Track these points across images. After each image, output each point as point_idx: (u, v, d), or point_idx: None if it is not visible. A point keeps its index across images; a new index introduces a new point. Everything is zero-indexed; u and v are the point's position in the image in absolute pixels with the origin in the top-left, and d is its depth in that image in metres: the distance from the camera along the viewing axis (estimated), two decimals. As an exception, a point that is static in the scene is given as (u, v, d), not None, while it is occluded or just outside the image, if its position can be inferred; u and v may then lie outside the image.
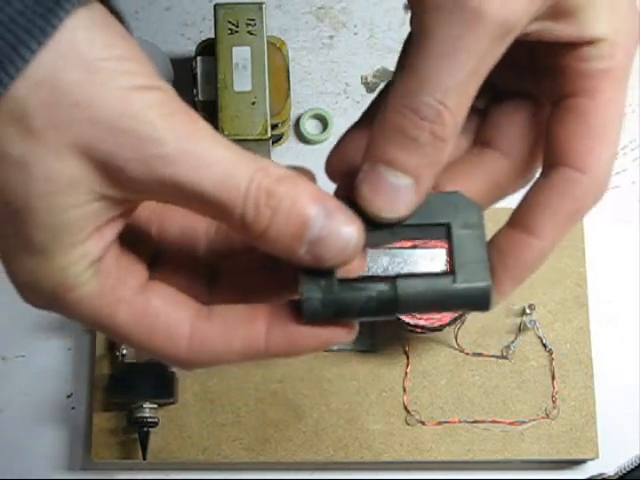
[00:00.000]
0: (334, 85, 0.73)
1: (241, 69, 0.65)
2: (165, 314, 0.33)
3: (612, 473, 0.65)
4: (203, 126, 0.30)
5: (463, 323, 0.64)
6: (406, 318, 0.61)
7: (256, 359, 0.33)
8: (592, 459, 0.64)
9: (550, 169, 0.34)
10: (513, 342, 0.65)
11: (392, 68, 0.71)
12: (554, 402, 0.64)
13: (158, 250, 0.36)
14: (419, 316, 0.61)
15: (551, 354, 0.65)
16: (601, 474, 0.65)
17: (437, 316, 0.61)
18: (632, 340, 0.67)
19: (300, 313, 0.32)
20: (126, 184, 0.30)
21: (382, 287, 0.32)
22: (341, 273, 0.32)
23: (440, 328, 0.61)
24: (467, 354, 0.65)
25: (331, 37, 0.74)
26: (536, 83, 0.36)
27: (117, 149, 0.29)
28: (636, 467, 0.65)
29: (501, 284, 0.34)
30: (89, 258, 0.31)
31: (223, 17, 0.66)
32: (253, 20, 0.66)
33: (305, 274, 0.32)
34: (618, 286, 0.68)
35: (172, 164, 0.29)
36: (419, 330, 0.61)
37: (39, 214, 0.29)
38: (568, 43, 0.33)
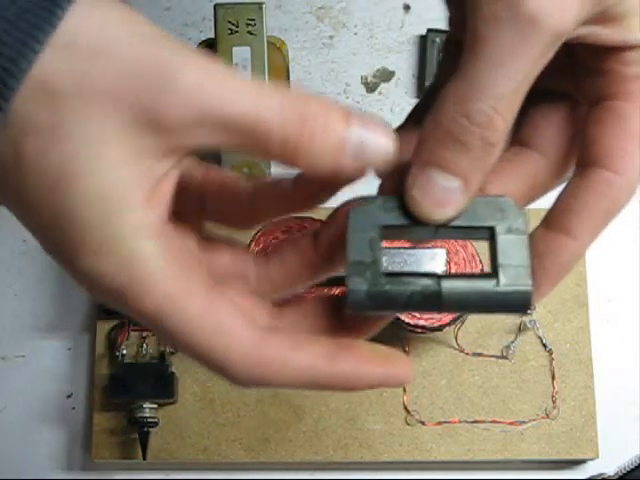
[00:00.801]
0: (334, 85, 0.73)
1: (241, 69, 0.65)
2: (233, 318, 0.32)
3: (612, 473, 0.65)
4: (219, 62, 0.31)
5: (463, 323, 0.64)
6: (406, 318, 0.61)
7: (316, 383, 0.33)
8: (592, 459, 0.64)
9: (585, 170, 0.35)
10: (513, 342, 0.65)
11: (392, 68, 0.72)
12: (554, 402, 0.64)
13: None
14: (419, 316, 0.61)
15: (551, 354, 0.65)
16: (601, 474, 0.65)
17: (437, 316, 0.61)
18: (632, 340, 0.67)
19: (345, 305, 0.33)
20: (163, 126, 0.30)
21: (427, 282, 0.33)
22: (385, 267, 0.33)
23: (440, 328, 0.61)
24: (467, 354, 0.65)
25: (331, 37, 0.74)
26: (575, 84, 0.37)
27: (145, 92, 0.29)
28: (636, 467, 0.65)
29: (540, 286, 0.34)
30: (150, 226, 0.31)
31: (223, 17, 0.66)
32: (253, 20, 0.66)
33: (351, 266, 0.33)
34: (618, 285, 0.69)
35: (199, 94, 0.30)
36: (419, 330, 0.61)
37: (85, 182, 0.29)
38: (612, 47, 0.34)
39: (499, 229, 0.33)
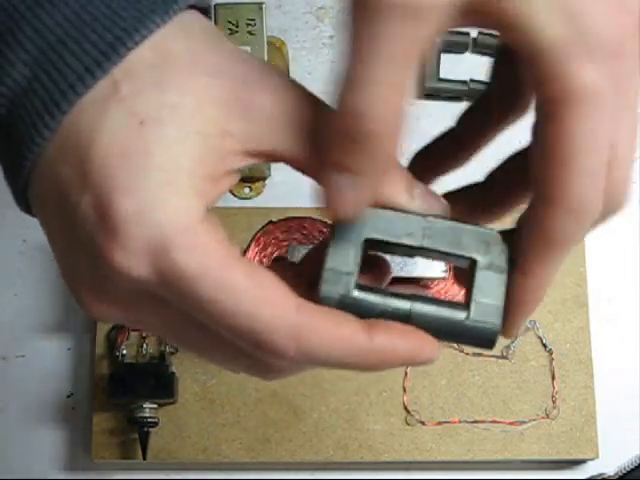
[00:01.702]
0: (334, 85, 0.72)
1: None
2: (276, 286, 0.32)
3: (612, 473, 0.65)
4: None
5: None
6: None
7: (355, 356, 0.32)
8: (592, 459, 0.64)
9: (532, 198, 0.33)
10: (513, 342, 0.65)
11: (392, 68, 0.71)
12: (554, 402, 0.64)
13: None
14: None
15: (551, 354, 0.65)
16: (601, 474, 0.65)
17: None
18: (632, 340, 0.67)
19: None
20: (249, 115, 0.31)
21: (398, 304, 0.33)
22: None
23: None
24: (467, 354, 0.65)
25: (331, 37, 0.74)
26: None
27: (245, 82, 0.32)
28: (636, 467, 0.65)
29: (507, 324, 0.34)
30: (206, 200, 0.31)
31: (223, 17, 0.66)
32: (253, 20, 0.66)
33: (326, 272, 0.33)
34: (618, 285, 0.69)
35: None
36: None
37: (167, 131, 0.30)
38: (522, 56, 0.30)
39: (480, 263, 0.33)
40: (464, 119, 0.37)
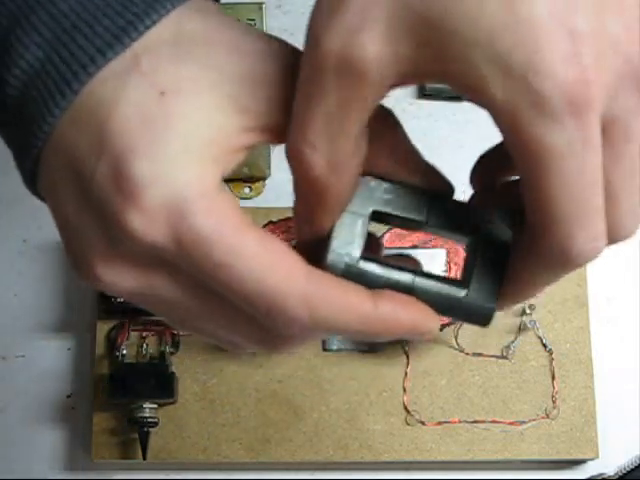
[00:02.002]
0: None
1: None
2: (287, 252, 0.32)
3: (612, 473, 0.65)
4: None
5: (463, 323, 0.64)
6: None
7: (363, 323, 0.33)
8: (592, 459, 0.64)
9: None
10: (513, 342, 0.65)
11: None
12: (554, 402, 0.64)
13: None
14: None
15: (551, 354, 0.65)
16: (601, 474, 0.65)
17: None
18: (632, 340, 0.67)
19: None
20: (266, 92, 0.32)
21: (401, 277, 0.34)
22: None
23: (440, 328, 0.61)
24: (467, 354, 0.65)
25: (331, 37, 0.73)
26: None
27: (259, 62, 0.33)
28: (636, 467, 0.65)
29: (501, 301, 0.34)
30: (222, 169, 0.32)
31: (223, 17, 0.66)
32: (253, 20, 0.66)
33: (334, 240, 0.33)
34: (618, 285, 0.69)
35: None
36: (419, 330, 0.61)
37: (187, 102, 0.31)
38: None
39: (481, 242, 0.34)
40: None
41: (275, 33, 0.70)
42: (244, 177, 0.69)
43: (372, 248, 0.35)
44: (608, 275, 0.68)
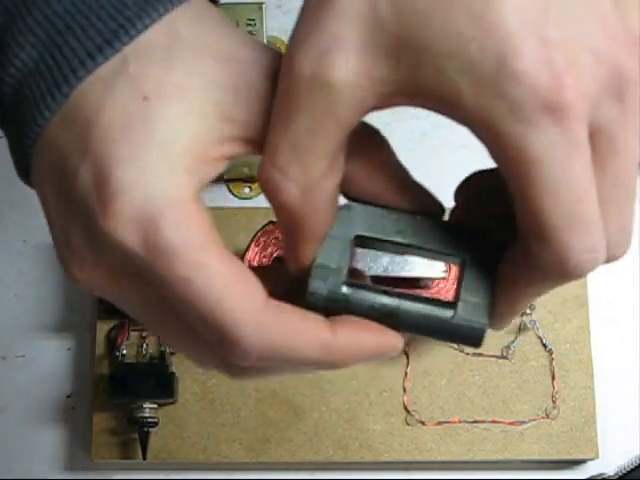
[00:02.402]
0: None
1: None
2: (249, 278, 0.32)
3: (612, 473, 0.65)
4: None
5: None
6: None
7: (323, 353, 0.32)
8: (592, 459, 0.64)
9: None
10: (513, 342, 0.65)
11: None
12: (554, 402, 0.64)
13: None
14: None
15: (551, 354, 0.65)
16: (601, 474, 0.65)
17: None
18: (632, 340, 0.67)
19: (303, 301, 0.33)
20: (253, 103, 0.32)
21: (386, 301, 0.33)
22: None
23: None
24: (467, 354, 0.65)
25: (331, 37, 0.73)
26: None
27: (250, 70, 0.32)
28: (636, 467, 0.65)
29: (494, 319, 0.34)
30: (199, 179, 0.32)
31: (223, 17, 0.66)
32: (253, 20, 0.66)
33: (316, 268, 0.33)
34: (618, 286, 0.69)
35: None
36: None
37: (170, 108, 0.31)
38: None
39: (469, 261, 0.33)
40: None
41: (275, 33, 0.71)
42: (244, 177, 0.69)
43: (356, 273, 0.35)
44: (608, 275, 0.68)
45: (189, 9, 0.33)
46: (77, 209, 0.32)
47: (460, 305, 0.33)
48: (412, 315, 0.33)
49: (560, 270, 0.30)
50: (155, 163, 0.31)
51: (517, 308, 0.33)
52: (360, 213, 0.34)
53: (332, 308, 0.33)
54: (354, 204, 0.34)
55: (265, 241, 0.63)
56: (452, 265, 0.35)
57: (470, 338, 0.33)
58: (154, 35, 0.32)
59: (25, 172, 0.35)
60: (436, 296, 0.35)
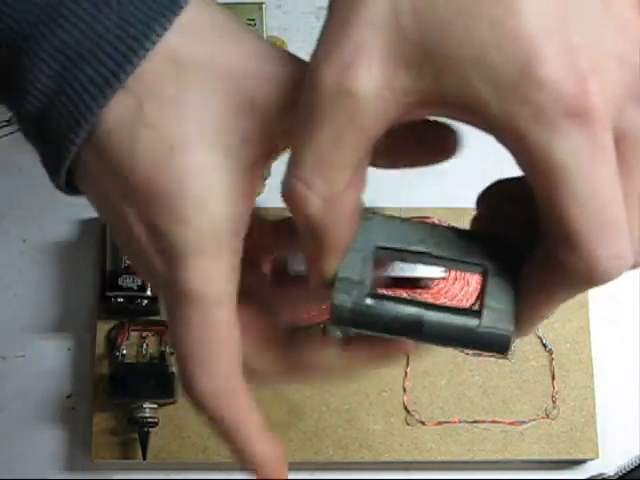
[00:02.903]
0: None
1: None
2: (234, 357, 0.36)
3: (612, 473, 0.65)
4: None
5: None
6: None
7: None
8: (592, 459, 0.64)
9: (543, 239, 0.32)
10: (513, 342, 0.65)
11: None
12: (554, 402, 0.64)
13: None
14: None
15: (551, 354, 0.65)
16: (601, 474, 0.65)
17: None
18: (632, 340, 0.67)
19: (328, 319, 0.33)
20: (266, 116, 0.32)
21: (410, 310, 0.33)
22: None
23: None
24: (467, 354, 0.65)
25: (331, 37, 0.74)
26: None
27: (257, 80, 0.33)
28: (636, 467, 0.65)
29: (521, 325, 0.33)
30: (239, 220, 0.34)
31: (223, 17, 0.66)
32: (253, 20, 0.66)
33: (339, 282, 0.33)
34: (618, 286, 0.68)
35: None
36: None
37: (189, 156, 0.32)
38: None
39: (491, 269, 0.33)
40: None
41: (275, 33, 0.70)
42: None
43: (379, 283, 0.35)
44: (608, 275, 0.68)
45: (189, 24, 0.32)
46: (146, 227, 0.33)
47: (485, 313, 0.33)
48: (437, 325, 0.33)
49: (587, 277, 0.30)
50: (194, 216, 0.32)
51: (543, 314, 0.33)
52: (380, 224, 0.34)
53: (357, 320, 0.33)
54: (374, 215, 0.34)
55: (265, 241, 0.63)
56: (471, 272, 0.34)
57: (496, 345, 0.33)
58: (158, 64, 0.32)
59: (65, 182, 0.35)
60: (458, 305, 0.35)
